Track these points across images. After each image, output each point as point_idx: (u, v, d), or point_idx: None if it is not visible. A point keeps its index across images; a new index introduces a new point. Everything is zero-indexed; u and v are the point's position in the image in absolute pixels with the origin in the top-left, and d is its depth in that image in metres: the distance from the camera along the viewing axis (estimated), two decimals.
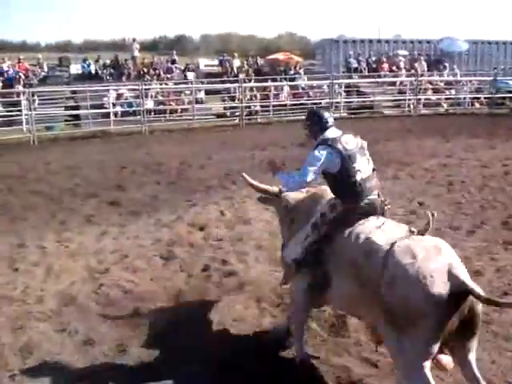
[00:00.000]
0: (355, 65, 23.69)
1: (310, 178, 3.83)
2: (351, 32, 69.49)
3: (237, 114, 18.52)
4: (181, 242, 6.96)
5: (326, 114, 4.10)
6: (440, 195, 9.07)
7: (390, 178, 10.24)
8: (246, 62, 23.41)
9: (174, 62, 22.95)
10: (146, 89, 18.05)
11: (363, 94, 21.41)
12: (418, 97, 20.61)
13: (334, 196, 3.99)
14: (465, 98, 21.98)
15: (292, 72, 22.40)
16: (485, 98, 21.97)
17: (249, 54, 26.39)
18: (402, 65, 23.95)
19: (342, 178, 3.80)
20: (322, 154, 3.81)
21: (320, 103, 20.08)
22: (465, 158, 12.01)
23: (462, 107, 21.53)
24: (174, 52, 24.44)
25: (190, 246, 6.86)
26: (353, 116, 19.60)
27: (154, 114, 18.36)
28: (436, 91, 22.12)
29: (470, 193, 9.12)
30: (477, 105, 21.76)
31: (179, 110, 18.84)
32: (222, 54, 25.01)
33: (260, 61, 24.68)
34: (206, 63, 25.64)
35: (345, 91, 20.84)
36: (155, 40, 49.71)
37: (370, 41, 27.22)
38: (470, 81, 23.11)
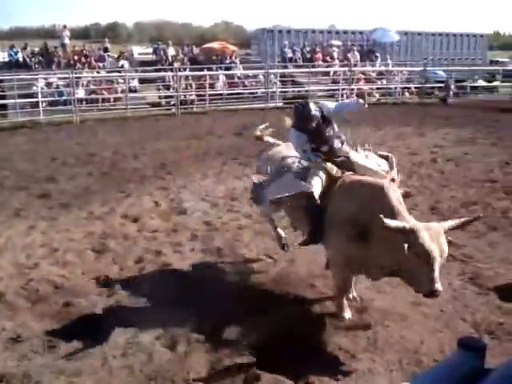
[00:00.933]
0: (290, 55, 23.91)
1: None
2: (287, 22, 70.11)
3: (172, 103, 18.29)
4: (114, 235, 6.81)
5: None
6: None
7: None
8: (181, 51, 23.10)
9: (106, 49, 22.33)
10: (76, 77, 17.49)
11: (298, 84, 21.64)
12: (351, 87, 21.03)
13: None
14: (396, 88, 22.65)
15: (228, 61, 22.31)
16: (415, 87, 22.74)
17: (184, 42, 25.97)
18: (335, 55, 24.39)
19: None
20: None
21: (256, 93, 20.18)
22: (395, 146, 12.35)
23: (393, 97, 22.17)
24: (107, 40, 23.80)
25: (124, 238, 6.73)
26: (288, 106, 19.75)
27: (86, 103, 17.83)
28: (368, 81, 22.66)
29: (400, 179, 9.39)
30: (407, 94, 22.48)
31: (112, 99, 18.37)
32: (156, 42, 24.56)
33: (195, 50, 24.42)
34: (139, 51, 25.13)
35: (280, 81, 20.97)
36: (87, 27, 48.24)
37: (305, 31, 27.56)
38: (401, 71, 23.84)
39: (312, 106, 4.66)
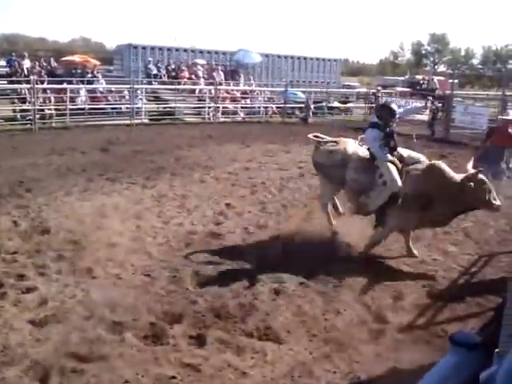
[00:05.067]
0: (155, 71, 23.55)
1: None
2: (147, 40, 69.64)
3: (28, 117, 16.97)
4: None
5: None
6: (245, 196, 9.34)
7: (196, 182, 10.30)
8: (37, 63, 21.62)
9: None
10: None
11: (164, 101, 21.35)
12: (217, 105, 21.21)
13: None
14: (259, 107, 23.29)
15: (89, 75, 21.33)
16: (277, 107, 23.56)
17: (39, 55, 24.32)
18: (200, 74, 24.47)
19: None
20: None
21: (120, 108, 19.53)
22: (264, 162, 12.60)
23: (257, 116, 22.75)
24: None
25: None
26: (155, 122, 19.42)
27: None
28: (233, 100, 23.05)
29: (272, 193, 9.57)
30: (270, 114, 23.19)
31: None
32: (10, 54, 22.78)
33: (53, 63, 23.00)
34: None
35: (145, 97, 20.52)
36: None
37: (169, 49, 27.42)
38: (264, 91, 24.61)
39: (396, 108, 6.38)
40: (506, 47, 61.63)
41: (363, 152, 6.48)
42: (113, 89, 20.99)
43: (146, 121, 19.57)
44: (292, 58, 30.61)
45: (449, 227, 7.77)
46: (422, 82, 34.82)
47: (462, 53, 64.27)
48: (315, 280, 5.68)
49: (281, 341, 4.39)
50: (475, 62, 64.59)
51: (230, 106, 22.60)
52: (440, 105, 20.57)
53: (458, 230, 7.70)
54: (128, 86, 19.55)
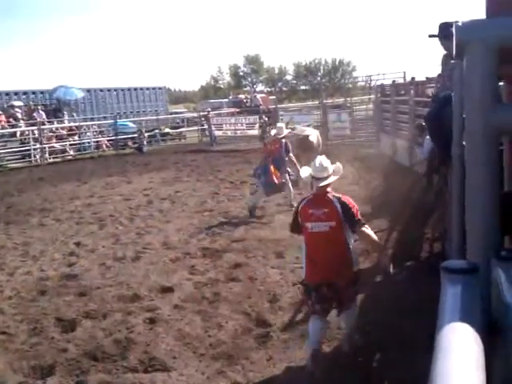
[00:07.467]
0: None
1: None
2: None
3: None
4: None
5: None
6: (94, 232, 8.78)
7: (36, 226, 9.45)
8: None
9: None
10: None
11: None
12: (43, 145, 19.90)
13: None
14: (89, 143, 22.34)
15: None
16: (108, 140, 22.80)
17: None
18: (19, 116, 22.79)
19: None
20: None
21: None
22: (107, 195, 12.04)
23: (88, 152, 21.78)
24: None
25: None
26: None
27: None
28: (60, 139, 21.81)
29: (123, 224, 9.13)
30: (103, 147, 22.35)
31: None
32: None
33: None
34: None
35: None
36: None
37: None
38: (92, 126, 23.71)
39: None
40: (314, 61, 67.17)
41: None
42: None
43: None
44: (116, 90, 30.02)
45: None
46: (245, 100, 36.32)
47: (276, 71, 68.54)
48: (189, 301, 5.49)
49: (169, 368, 4.13)
50: (289, 77, 69.27)
51: (57, 145, 21.33)
52: (267, 119, 21.55)
53: None
54: None
